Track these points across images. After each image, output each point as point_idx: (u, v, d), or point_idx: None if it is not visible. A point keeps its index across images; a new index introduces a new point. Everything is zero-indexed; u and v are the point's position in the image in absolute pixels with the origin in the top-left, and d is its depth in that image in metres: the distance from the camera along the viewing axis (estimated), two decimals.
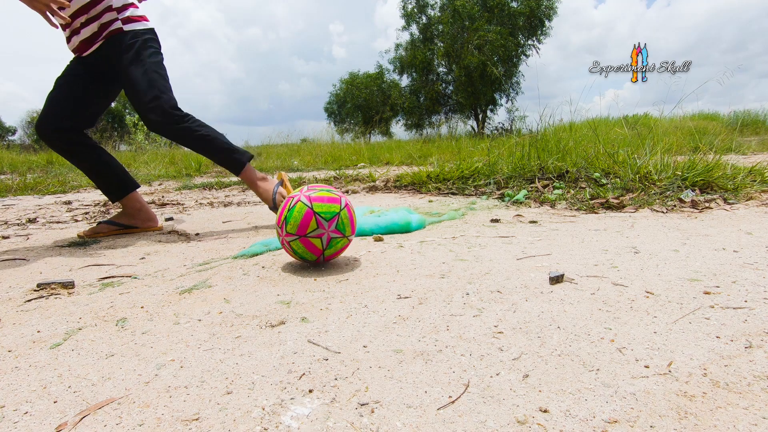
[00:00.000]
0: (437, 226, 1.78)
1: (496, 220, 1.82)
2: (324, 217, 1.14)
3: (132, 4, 1.76)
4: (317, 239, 1.15)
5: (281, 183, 1.93)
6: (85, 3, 1.65)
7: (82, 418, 0.55)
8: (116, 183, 1.87)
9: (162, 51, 1.83)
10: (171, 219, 2.26)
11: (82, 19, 1.67)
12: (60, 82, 1.75)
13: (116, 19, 1.70)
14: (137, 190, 1.91)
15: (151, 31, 1.79)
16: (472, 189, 2.72)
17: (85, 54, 1.73)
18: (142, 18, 1.77)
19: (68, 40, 1.74)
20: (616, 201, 2.03)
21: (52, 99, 1.73)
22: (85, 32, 1.70)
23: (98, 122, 1.92)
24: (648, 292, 0.93)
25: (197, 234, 1.81)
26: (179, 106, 1.75)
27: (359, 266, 1.22)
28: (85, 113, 1.77)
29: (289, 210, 1.17)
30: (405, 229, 1.67)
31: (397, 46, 18.58)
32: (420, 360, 0.68)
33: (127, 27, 1.72)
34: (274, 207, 1.86)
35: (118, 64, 1.71)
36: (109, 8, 1.69)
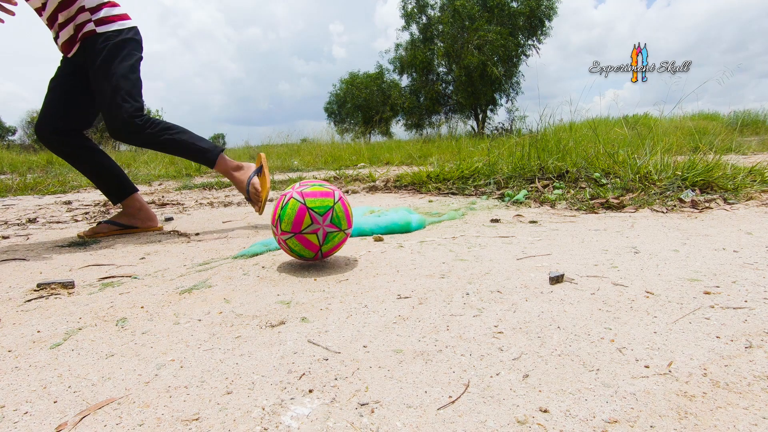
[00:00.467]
0: (437, 226, 1.78)
1: (496, 220, 1.82)
2: (318, 212, 1.13)
3: (108, 3, 1.69)
4: (313, 235, 1.14)
5: (259, 170, 1.89)
6: (60, 3, 1.62)
7: (82, 418, 0.55)
8: (116, 184, 1.87)
9: (140, 50, 1.77)
10: (171, 219, 2.26)
11: (60, 19, 1.65)
12: (53, 83, 1.75)
13: (89, 21, 1.65)
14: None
15: (129, 30, 1.73)
16: (472, 189, 2.72)
17: (69, 55, 1.72)
18: (119, 17, 1.71)
19: (55, 40, 1.73)
20: (616, 201, 2.03)
21: (47, 101, 1.73)
22: (64, 34, 1.67)
23: (96, 122, 1.91)
24: (648, 292, 0.93)
25: (197, 234, 1.81)
26: (144, 111, 1.71)
27: (359, 266, 1.22)
28: (78, 113, 1.76)
29: (282, 207, 1.16)
30: (405, 229, 1.67)
31: (397, 46, 18.59)
32: (420, 360, 0.68)
33: (101, 29, 1.66)
34: (248, 198, 1.86)
35: (90, 68, 1.68)
36: (82, 9, 1.64)
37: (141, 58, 1.79)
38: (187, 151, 1.80)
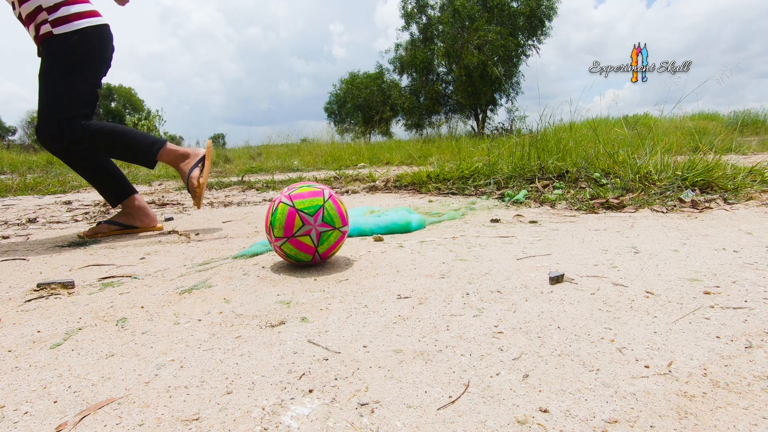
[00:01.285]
0: (437, 226, 1.78)
1: (496, 220, 1.82)
2: (308, 213, 1.12)
3: (66, 1, 1.59)
4: (306, 237, 1.12)
5: (201, 161, 1.82)
6: (18, 1, 1.58)
7: (82, 418, 0.55)
8: (116, 187, 1.87)
9: (99, 50, 1.67)
10: (171, 219, 2.26)
11: (24, 17, 1.62)
12: None
13: (46, 21, 1.57)
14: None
15: (88, 30, 1.62)
16: (472, 189, 2.72)
17: (39, 56, 1.69)
18: (78, 16, 1.60)
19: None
20: (616, 201, 2.03)
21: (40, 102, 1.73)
22: (30, 34, 1.64)
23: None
24: (648, 292, 0.93)
25: (197, 234, 1.81)
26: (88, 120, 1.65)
27: (359, 266, 1.22)
28: None
29: (272, 213, 1.15)
30: (405, 229, 1.67)
31: (397, 46, 18.59)
32: (420, 360, 0.68)
33: (58, 30, 1.58)
34: (188, 190, 1.83)
35: (40, 69, 1.62)
36: (40, 8, 1.57)
37: (100, 60, 1.69)
38: (122, 153, 1.74)
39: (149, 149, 1.76)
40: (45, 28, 1.59)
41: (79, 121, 1.64)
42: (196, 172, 1.79)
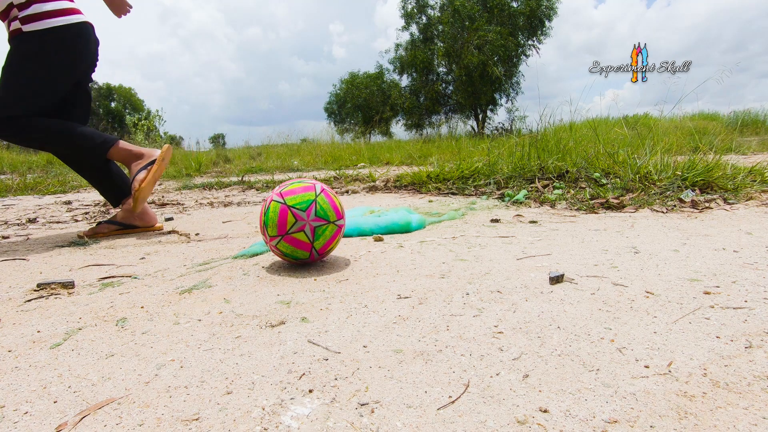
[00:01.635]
0: (437, 226, 1.78)
1: (496, 220, 1.82)
2: (299, 208, 1.11)
3: None
4: (300, 233, 1.11)
5: (150, 164, 1.75)
6: None
7: (82, 418, 0.55)
8: (116, 187, 1.87)
9: (70, 51, 1.62)
10: (171, 219, 2.26)
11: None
12: None
13: (16, 18, 1.54)
14: None
15: (60, 29, 1.57)
16: (472, 189, 2.72)
17: None
18: (50, 14, 1.55)
19: None
20: (616, 201, 2.03)
21: None
22: (5, 31, 1.62)
23: (87, 120, 1.87)
24: (648, 292, 0.93)
25: (197, 234, 1.81)
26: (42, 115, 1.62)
27: (359, 266, 1.22)
28: (63, 111, 1.73)
29: (265, 213, 1.15)
30: (405, 229, 1.67)
31: (397, 46, 18.57)
32: (420, 360, 0.68)
33: (27, 27, 1.54)
34: (131, 192, 1.77)
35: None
36: (11, 5, 1.54)
37: (73, 59, 1.65)
38: (71, 151, 1.72)
39: (99, 147, 1.72)
40: (15, 25, 1.55)
41: (26, 119, 1.60)
42: (141, 174, 1.74)
